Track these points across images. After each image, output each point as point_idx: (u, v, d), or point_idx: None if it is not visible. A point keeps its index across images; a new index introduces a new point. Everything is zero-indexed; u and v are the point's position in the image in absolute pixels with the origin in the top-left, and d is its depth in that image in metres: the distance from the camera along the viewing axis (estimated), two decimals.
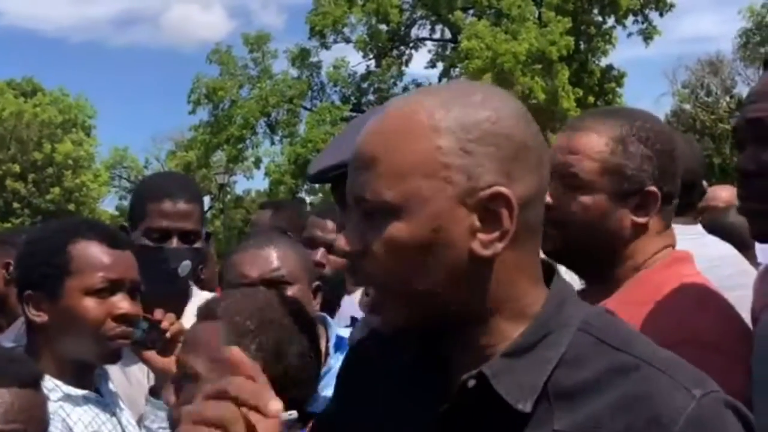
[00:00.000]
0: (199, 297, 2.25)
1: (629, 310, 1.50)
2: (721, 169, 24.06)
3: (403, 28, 28.39)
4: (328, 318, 2.07)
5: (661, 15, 26.95)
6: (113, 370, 2.00)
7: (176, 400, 1.32)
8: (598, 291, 1.58)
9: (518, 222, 0.95)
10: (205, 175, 32.22)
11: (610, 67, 27.19)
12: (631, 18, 26.90)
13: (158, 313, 1.88)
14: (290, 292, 1.88)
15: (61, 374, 1.74)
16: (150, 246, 2.17)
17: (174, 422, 1.35)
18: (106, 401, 1.84)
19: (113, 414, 1.84)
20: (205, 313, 1.37)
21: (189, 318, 1.71)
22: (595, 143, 1.55)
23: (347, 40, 28.06)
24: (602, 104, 24.11)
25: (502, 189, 0.94)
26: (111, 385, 1.92)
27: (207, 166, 31.24)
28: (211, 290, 2.64)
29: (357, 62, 28.82)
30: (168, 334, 1.85)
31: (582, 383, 0.94)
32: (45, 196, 31.06)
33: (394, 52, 28.68)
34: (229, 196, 35.56)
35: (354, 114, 25.07)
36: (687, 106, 30.07)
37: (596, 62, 26.81)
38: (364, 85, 28.75)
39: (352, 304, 2.73)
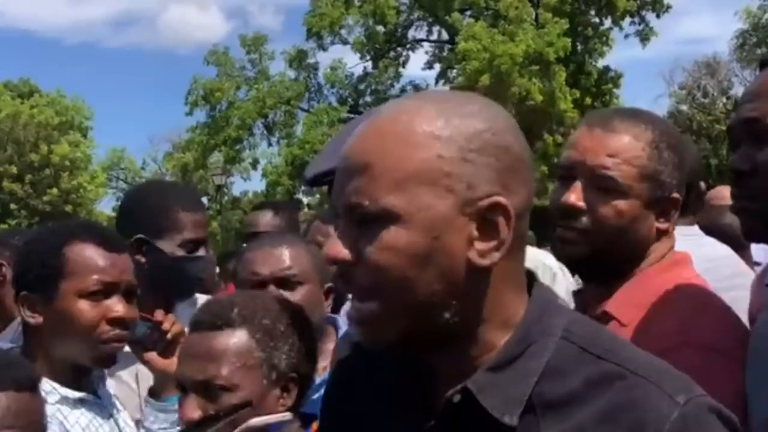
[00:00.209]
0: (202, 300, 2.25)
1: (629, 313, 1.51)
2: (718, 170, 24.10)
3: (400, 30, 28.42)
4: (339, 320, 2.07)
5: (658, 16, 27.00)
6: None
7: (201, 414, 1.32)
8: (598, 291, 1.57)
9: (513, 232, 0.95)
10: (202, 176, 32.26)
11: (607, 69, 27.19)
12: (628, 19, 26.95)
13: (159, 314, 1.88)
14: (300, 291, 1.89)
15: (57, 376, 1.73)
16: (191, 257, 2.21)
17: None
18: (103, 403, 1.83)
19: (111, 416, 1.83)
20: (215, 322, 1.37)
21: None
22: (633, 147, 1.51)
23: (344, 42, 28.12)
24: (599, 106, 24.11)
25: (501, 199, 0.94)
26: (109, 388, 1.92)
27: (204, 167, 31.26)
28: (208, 292, 2.64)
29: (354, 64, 28.95)
30: (169, 336, 1.86)
31: (567, 393, 0.94)
32: (42, 198, 31.03)
33: (391, 54, 28.69)
34: (226, 198, 35.57)
35: (351, 115, 25.09)
36: (684, 108, 30.19)
37: (593, 63, 26.83)
38: (362, 87, 28.78)
39: None
